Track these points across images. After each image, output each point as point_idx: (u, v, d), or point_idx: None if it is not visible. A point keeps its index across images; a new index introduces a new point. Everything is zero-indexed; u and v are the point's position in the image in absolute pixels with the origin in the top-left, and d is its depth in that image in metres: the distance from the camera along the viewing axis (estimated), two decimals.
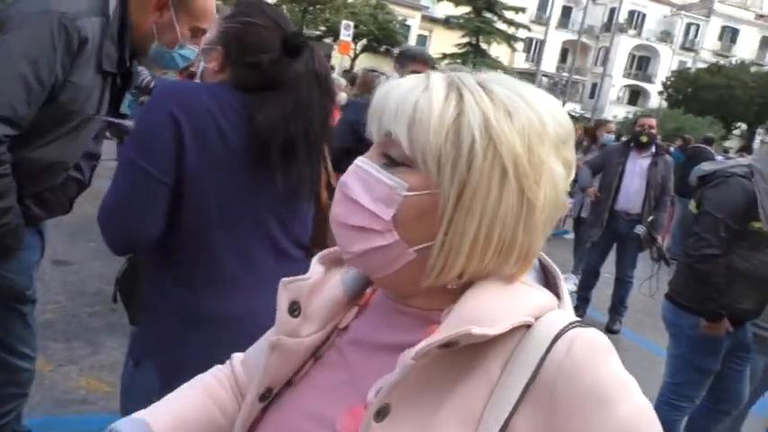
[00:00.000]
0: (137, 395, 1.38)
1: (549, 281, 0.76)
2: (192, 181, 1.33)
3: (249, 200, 1.41)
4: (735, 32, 52.97)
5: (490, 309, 0.65)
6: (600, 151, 6.61)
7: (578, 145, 6.88)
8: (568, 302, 0.73)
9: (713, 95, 38.13)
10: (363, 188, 0.69)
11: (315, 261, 0.83)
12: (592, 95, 49.09)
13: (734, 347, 2.89)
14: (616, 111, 45.06)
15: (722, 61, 45.56)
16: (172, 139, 1.30)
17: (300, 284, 0.79)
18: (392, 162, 0.69)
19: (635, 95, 53.05)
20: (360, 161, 0.72)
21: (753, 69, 43.16)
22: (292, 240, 1.51)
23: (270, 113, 1.37)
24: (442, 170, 0.65)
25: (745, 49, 51.70)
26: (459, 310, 0.66)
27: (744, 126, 40.54)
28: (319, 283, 0.81)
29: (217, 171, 1.35)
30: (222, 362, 0.99)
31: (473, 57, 32.85)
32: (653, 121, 5.43)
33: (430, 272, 0.68)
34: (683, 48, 52.57)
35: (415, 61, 3.34)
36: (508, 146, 0.65)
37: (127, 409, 1.20)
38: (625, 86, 52.39)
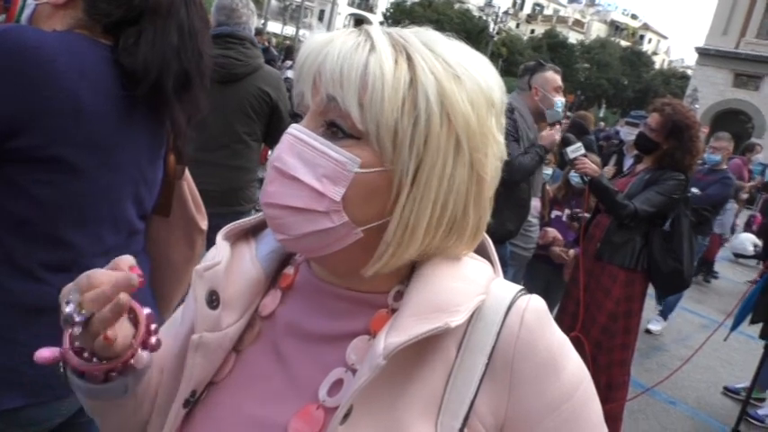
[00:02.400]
0: None
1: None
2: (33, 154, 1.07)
3: (103, 168, 1.17)
4: None
5: (450, 292, 0.63)
6: None
7: None
8: (498, 264, 0.73)
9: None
10: (304, 164, 0.61)
11: (220, 239, 0.73)
12: (320, 20, 49.67)
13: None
14: None
15: None
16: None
17: (216, 270, 0.69)
18: (336, 132, 0.61)
19: (359, 24, 54.90)
20: (297, 130, 0.63)
21: (456, 6, 48.20)
22: (140, 213, 1.31)
23: (154, 44, 1.14)
24: (399, 146, 0.60)
25: None
26: (417, 294, 0.63)
27: None
28: (230, 264, 0.71)
29: (72, 145, 1.09)
30: None
31: None
32: None
33: (382, 254, 0.63)
34: None
35: None
36: (462, 116, 0.61)
37: None
38: (350, 15, 54.17)
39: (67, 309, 0.62)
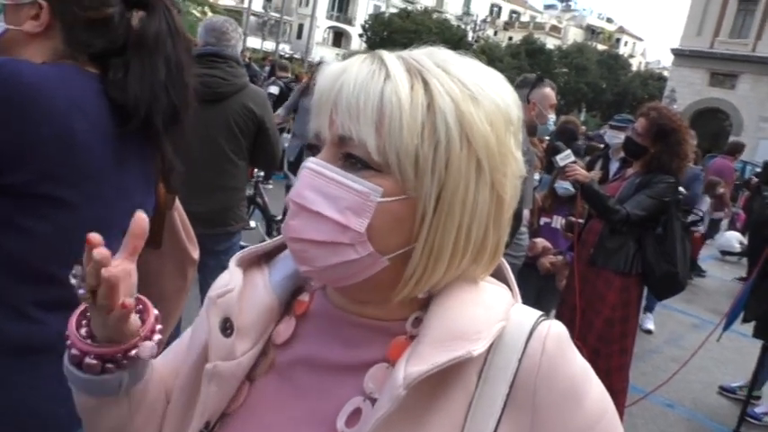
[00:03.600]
0: None
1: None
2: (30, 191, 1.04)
3: (96, 201, 1.14)
4: None
5: (470, 319, 0.62)
6: None
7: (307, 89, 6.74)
8: (516, 289, 0.71)
9: (405, 39, 42.00)
10: (325, 197, 0.60)
11: (232, 265, 0.72)
12: (299, 36, 49.84)
13: None
14: (323, 52, 46.65)
15: (410, 7, 50.15)
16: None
17: (230, 297, 0.68)
18: (356, 163, 0.60)
19: (338, 37, 55.60)
20: (315, 164, 0.62)
21: (434, 16, 48.56)
22: None
23: (143, 79, 1.12)
24: (421, 173, 0.59)
25: None
26: (437, 321, 0.62)
27: None
28: (242, 291, 0.70)
29: (65, 178, 1.07)
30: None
31: None
32: None
33: (406, 283, 0.62)
34: None
35: None
36: (482, 137, 0.60)
37: None
38: (329, 28, 54.38)
39: (73, 281, 0.65)
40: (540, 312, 0.68)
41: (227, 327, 0.68)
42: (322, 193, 0.60)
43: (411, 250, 0.61)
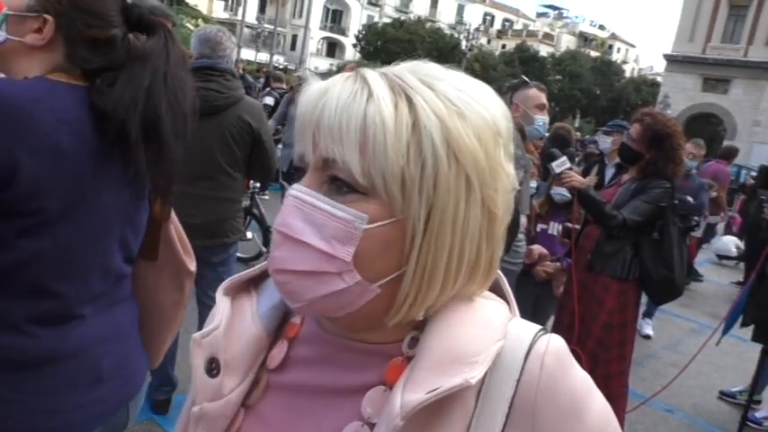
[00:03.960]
0: None
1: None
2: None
3: (89, 214, 1.15)
4: None
5: (468, 339, 0.61)
6: None
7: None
8: (514, 303, 0.70)
9: (399, 48, 42.20)
10: (310, 225, 0.59)
11: (219, 296, 0.71)
12: (293, 47, 49.99)
13: None
14: (317, 62, 46.78)
15: (403, 17, 50.40)
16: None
17: (215, 335, 0.67)
18: (341, 186, 0.58)
19: (332, 48, 55.75)
20: (298, 191, 0.60)
21: (428, 25, 48.79)
22: (126, 257, 1.28)
23: (125, 88, 1.11)
24: (408, 194, 0.57)
25: (420, 6, 57.94)
26: (433, 343, 0.60)
27: None
28: (230, 322, 0.69)
29: (55, 192, 1.06)
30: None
31: (170, 4, 30.55)
32: None
33: (399, 307, 0.60)
34: (370, 3, 56.63)
35: None
36: (470, 154, 0.58)
37: None
38: (323, 39, 54.56)
39: None
40: (538, 327, 0.66)
41: (212, 367, 0.66)
42: (306, 221, 0.59)
43: (402, 274, 0.60)
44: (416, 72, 0.61)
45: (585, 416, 0.62)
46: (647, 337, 5.51)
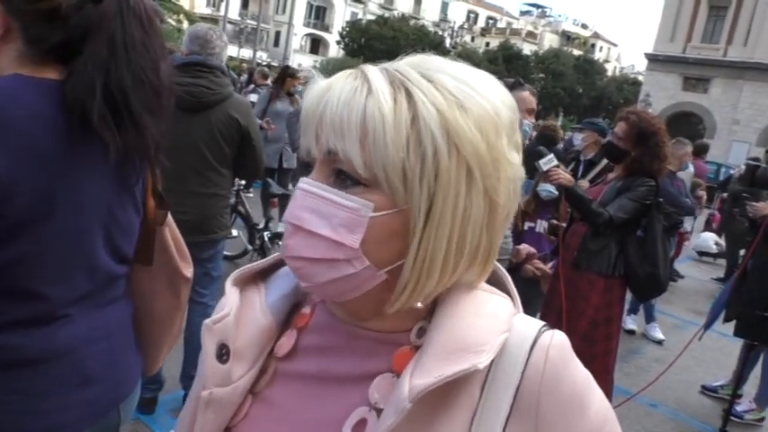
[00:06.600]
0: None
1: (492, 276, 0.71)
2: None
3: (69, 212, 1.10)
4: None
5: (475, 330, 0.62)
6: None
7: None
8: (518, 299, 0.71)
9: (383, 45, 42.17)
10: (318, 216, 0.61)
11: (229, 285, 0.73)
12: (276, 44, 49.73)
13: None
14: (300, 59, 46.57)
15: (387, 14, 50.35)
16: None
17: (226, 322, 0.69)
18: (346, 179, 0.60)
19: (316, 44, 55.52)
20: (307, 184, 0.63)
21: (412, 23, 48.79)
22: (117, 258, 1.23)
23: (82, 67, 1.05)
24: (410, 186, 0.59)
25: (404, 3, 57.93)
26: (441, 332, 0.62)
27: None
28: (239, 312, 0.71)
29: (35, 192, 1.03)
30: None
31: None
32: None
33: (400, 294, 0.62)
34: None
35: None
36: (470, 144, 0.59)
37: None
38: (306, 35, 54.31)
39: None
40: (542, 322, 0.68)
41: (222, 353, 0.68)
42: (315, 212, 0.61)
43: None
44: (418, 66, 0.62)
45: (587, 408, 0.64)
46: (631, 332, 5.58)
